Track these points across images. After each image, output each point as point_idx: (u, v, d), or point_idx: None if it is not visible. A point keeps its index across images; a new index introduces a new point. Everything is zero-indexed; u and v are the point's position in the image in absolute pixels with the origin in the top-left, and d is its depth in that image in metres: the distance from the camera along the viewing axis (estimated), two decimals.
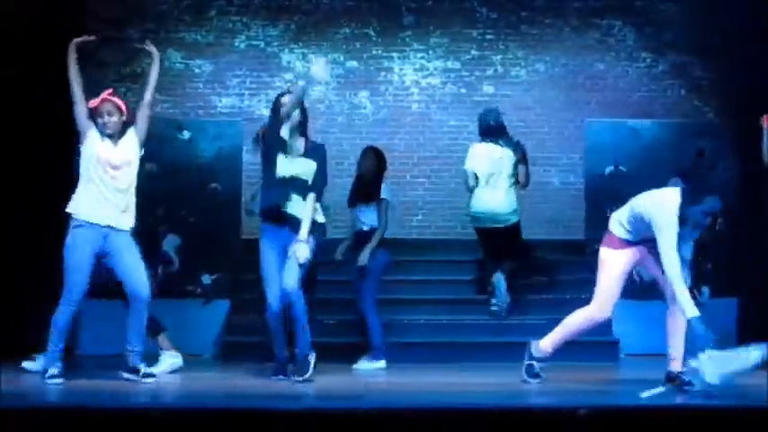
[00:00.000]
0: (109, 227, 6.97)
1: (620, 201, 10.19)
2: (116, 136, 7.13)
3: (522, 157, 9.65)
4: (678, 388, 6.24)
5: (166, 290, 10.04)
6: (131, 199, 7.13)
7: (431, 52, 12.11)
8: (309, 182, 7.36)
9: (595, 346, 9.38)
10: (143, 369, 7.01)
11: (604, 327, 9.65)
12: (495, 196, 9.52)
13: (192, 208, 10.30)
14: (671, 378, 6.33)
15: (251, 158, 11.28)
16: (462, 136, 11.90)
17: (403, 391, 6.73)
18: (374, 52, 12.08)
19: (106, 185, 6.98)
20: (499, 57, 12.00)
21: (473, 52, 12.11)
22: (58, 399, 6.06)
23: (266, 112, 11.77)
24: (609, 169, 10.58)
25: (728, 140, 10.41)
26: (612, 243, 6.69)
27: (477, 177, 9.55)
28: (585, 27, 12.04)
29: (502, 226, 9.56)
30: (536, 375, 6.87)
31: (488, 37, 12.11)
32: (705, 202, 6.22)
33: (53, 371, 6.79)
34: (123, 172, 7.06)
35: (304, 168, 7.39)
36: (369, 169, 8.98)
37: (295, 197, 7.30)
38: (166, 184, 10.16)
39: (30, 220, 9.17)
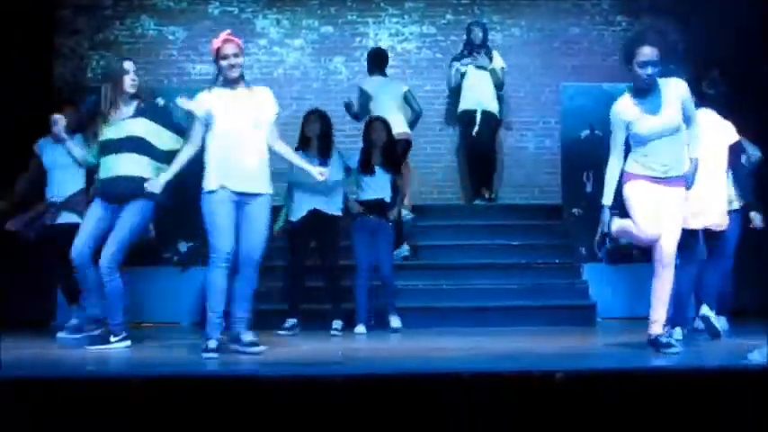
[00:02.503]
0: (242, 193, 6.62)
1: (597, 165, 10.31)
2: (240, 90, 6.73)
3: None
4: (657, 350, 6.27)
5: (143, 258, 10.04)
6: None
7: (406, 17, 12.06)
8: (146, 139, 7.20)
9: (572, 310, 9.45)
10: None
11: (581, 291, 9.79)
12: None
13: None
14: (651, 342, 6.34)
15: None
16: (438, 101, 11.90)
17: (379, 357, 6.72)
18: (349, 17, 12.02)
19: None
20: None
21: (448, 17, 12.06)
22: (37, 369, 6.00)
23: None
24: (585, 133, 10.61)
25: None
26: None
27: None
28: None
29: None
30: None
31: (464, 1, 12.07)
32: (637, 55, 6.25)
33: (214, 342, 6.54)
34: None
35: (132, 129, 7.20)
36: (382, 139, 9.09)
37: (125, 156, 7.15)
38: None
39: None
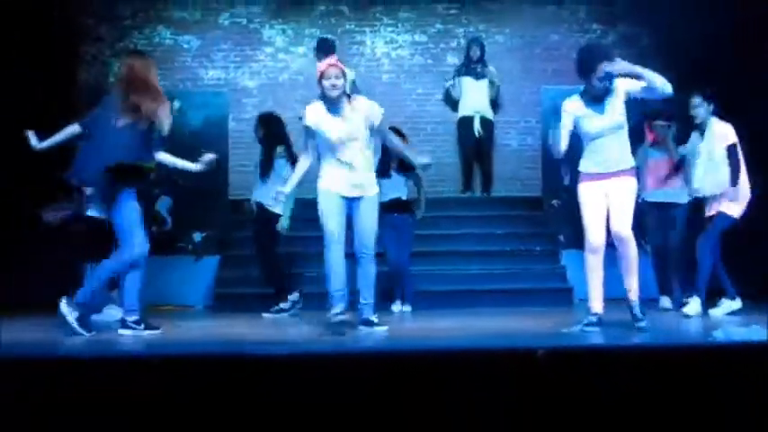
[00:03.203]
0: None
1: (574, 161, 10.32)
2: (341, 106, 6.72)
3: None
4: (633, 320, 6.45)
5: (161, 247, 10.07)
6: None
7: (400, 26, 12.06)
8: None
9: (552, 292, 9.47)
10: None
11: (560, 275, 9.81)
12: None
13: (183, 172, 10.15)
14: (631, 310, 6.54)
15: (236, 126, 11.28)
16: (429, 103, 11.92)
17: (377, 335, 6.72)
18: (348, 27, 12.02)
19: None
20: (462, 30, 11.97)
21: (438, 26, 12.07)
22: (55, 349, 5.97)
23: (250, 84, 11.83)
24: None
25: (672, 104, 10.43)
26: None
27: None
28: (541, 1, 12.01)
29: None
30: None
31: (452, 12, 12.07)
32: (597, 70, 6.35)
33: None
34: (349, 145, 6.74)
35: None
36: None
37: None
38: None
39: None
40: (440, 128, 11.83)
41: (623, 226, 6.46)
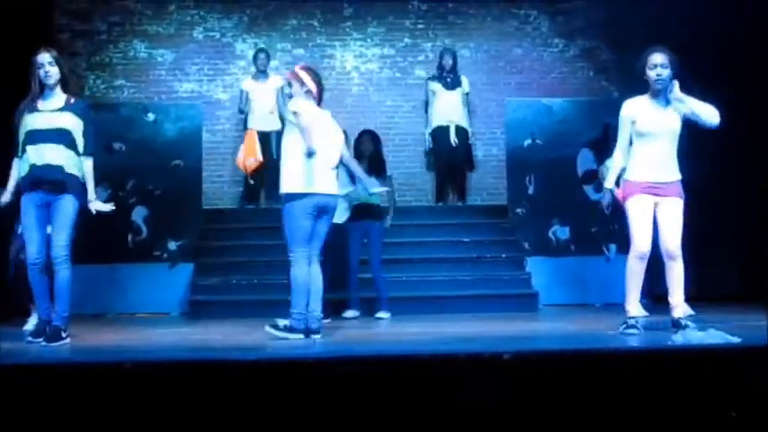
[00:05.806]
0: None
1: (537, 169, 10.39)
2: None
3: None
4: (677, 331, 6.19)
5: (137, 255, 10.03)
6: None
7: (369, 40, 12.05)
8: (72, 133, 6.39)
9: (517, 298, 9.47)
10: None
11: (525, 281, 9.83)
12: None
13: (158, 182, 10.22)
14: (675, 324, 6.30)
15: (209, 137, 11.23)
16: (398, 114, 11.92)
17: (347, 340, 6.70)
18: (318, 41, 12.00)
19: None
20: (429, 44, 11.98)
21: (406, 40, 12.07)
22: (32, 357, 5.86)
23: (223, 96, 11.78)
24: (527, 142, 10.63)
25: None
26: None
27: None
28: (505, 16, 12.06)
29: None
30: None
31: (420, 26, 12.09)
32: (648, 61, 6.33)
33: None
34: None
35: (61, 122, 6.40)
36: (370, 150, 9.00)
37: (55, 146, 6.31)
38: (134, 161, 10.12)
39: None
40: (408, 138, 11.82)
41: (675, 245, 6.26)
